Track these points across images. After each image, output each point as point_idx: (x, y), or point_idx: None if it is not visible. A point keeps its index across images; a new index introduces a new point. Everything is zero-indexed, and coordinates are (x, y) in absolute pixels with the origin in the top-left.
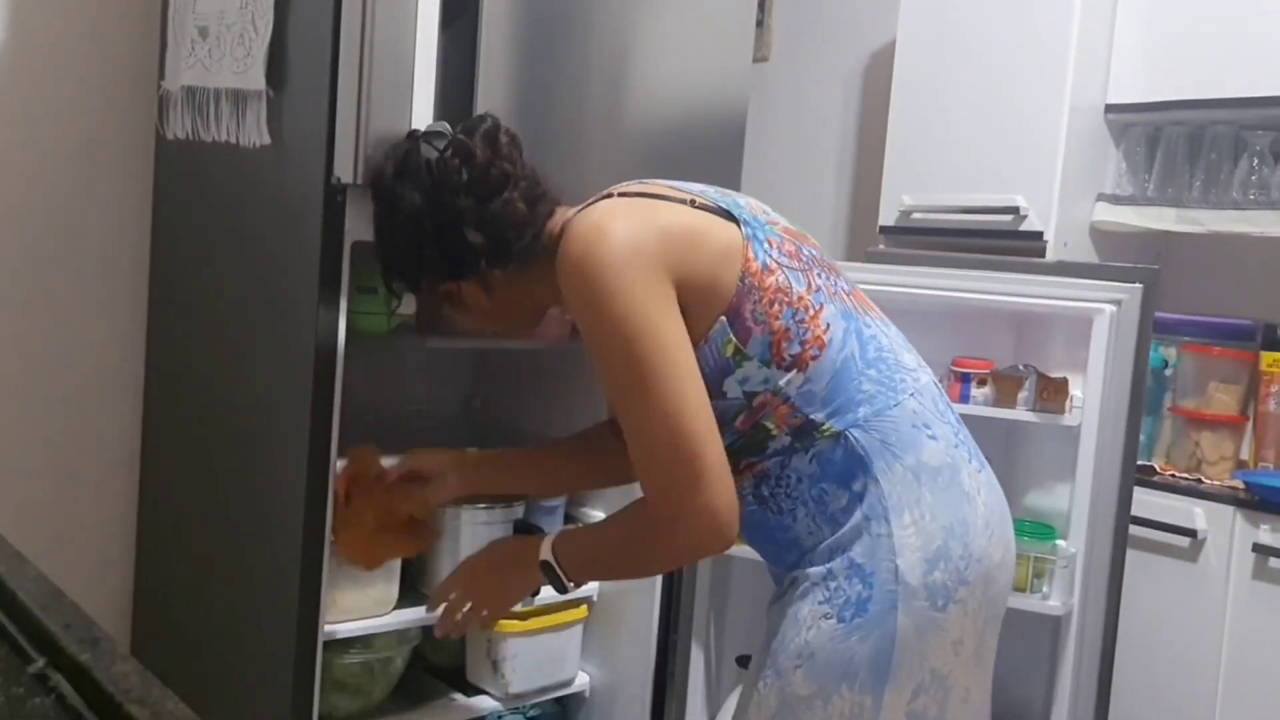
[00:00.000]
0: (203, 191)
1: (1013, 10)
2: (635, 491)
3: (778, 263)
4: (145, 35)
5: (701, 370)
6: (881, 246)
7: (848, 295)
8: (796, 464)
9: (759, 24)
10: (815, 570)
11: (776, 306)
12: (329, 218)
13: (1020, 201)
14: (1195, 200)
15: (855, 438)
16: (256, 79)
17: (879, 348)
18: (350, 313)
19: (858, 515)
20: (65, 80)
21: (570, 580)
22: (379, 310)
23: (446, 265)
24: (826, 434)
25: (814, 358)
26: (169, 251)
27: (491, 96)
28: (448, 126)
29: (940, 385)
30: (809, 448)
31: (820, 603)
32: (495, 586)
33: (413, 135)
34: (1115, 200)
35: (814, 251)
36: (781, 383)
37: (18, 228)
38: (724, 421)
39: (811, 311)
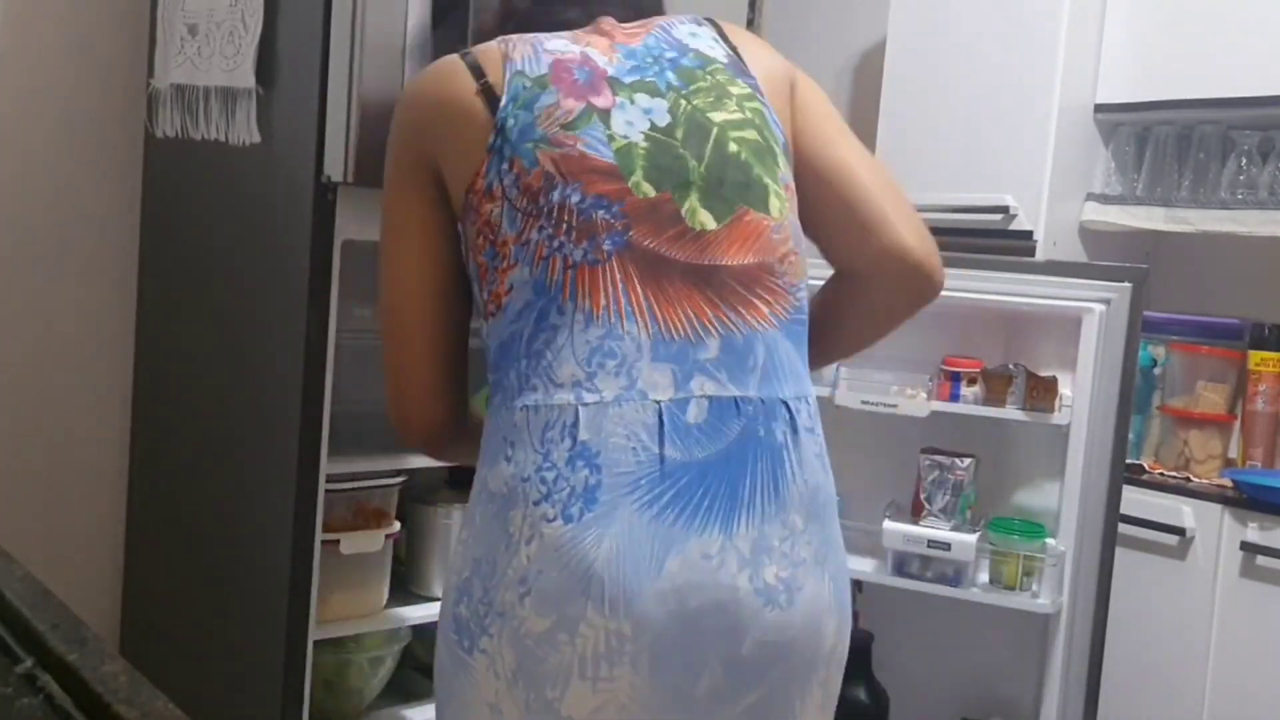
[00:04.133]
0: (192, 190)
1: (1002, 10)
2: None
3: (503, 190)
4: (134, 32)
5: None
6: None
7: (569, 268)
8: None
9: (749, 23)
10: None
11: (481, 239)
12: (319, 216)
13: (1010, 201)
14: (1184, 200)
15: (486, 424)
16: (246, 77)
17: (547, 342)
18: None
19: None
20: (54, 77)
21: None
22: None
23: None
24: (483, 399)
25: (491, 314)
26: (158, 250)
27: None
28: None
29: (652, 423)
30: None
31: None
32: None
33: None
34: (1104, 200)
35: (586, 201)
36: (480, 324)
37: (4, 226)
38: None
39: (505, 263)
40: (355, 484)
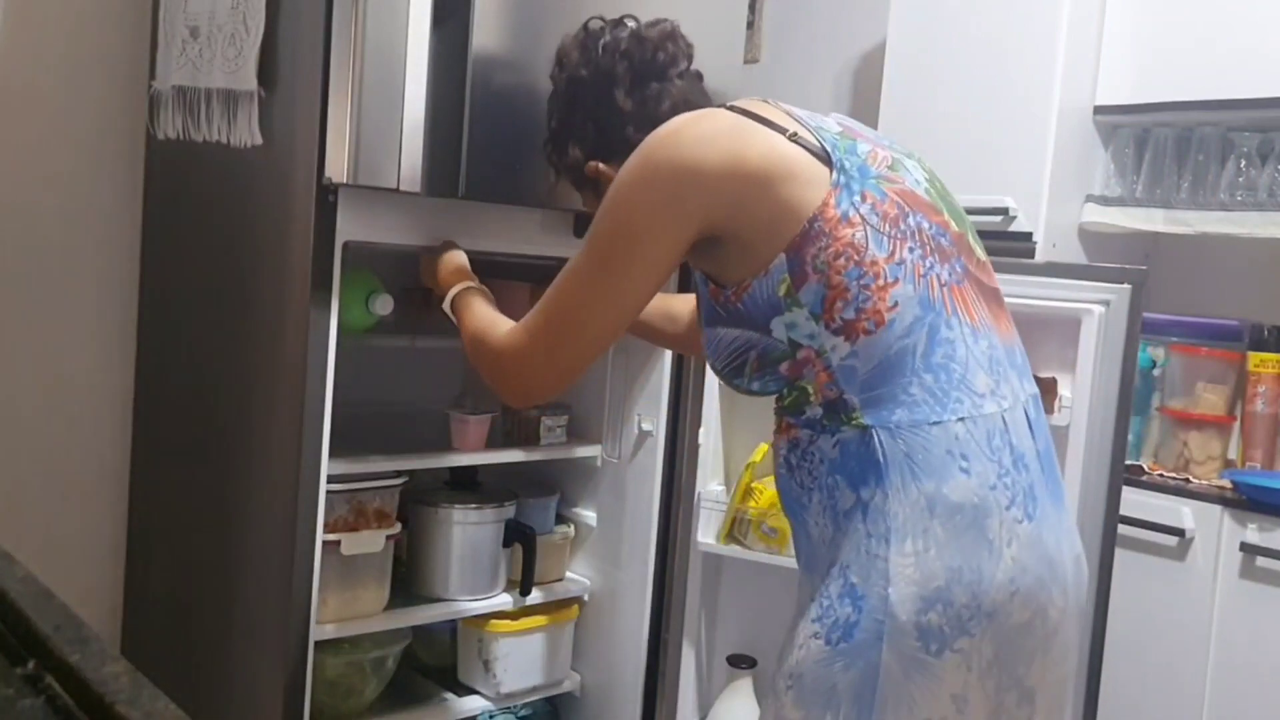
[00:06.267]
0: (194, 192)
1: (1002, 12)
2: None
3: (862, 218)
4: (136, 35)
5: (754, 300)
6: None
7: (942, 286)
8: (821, 443)
9: (749, 25)
10: (818, 583)
11: (843, 260)
12: (320, 218)
13: (1009, 202)
14: (1183, 201)
15: (880, 439)
16: (248, 79)
17: (949, 355)
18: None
19: (859, 526)
20: (55, 79)
21: (444, 304)
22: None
23: (592, 135)
24: (854, 422)
25: (867, 331)
26: (160, 252)
27: (483, 96)
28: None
29: (1025, 423)
30: (835, 430)
31: (814, 620)
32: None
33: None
34: (1104, 201)
35: (932, 228)
36: (827, 345)
37: (6, 228)
38: (767, 362)
39: (881, 281)
40: (356, 484)
